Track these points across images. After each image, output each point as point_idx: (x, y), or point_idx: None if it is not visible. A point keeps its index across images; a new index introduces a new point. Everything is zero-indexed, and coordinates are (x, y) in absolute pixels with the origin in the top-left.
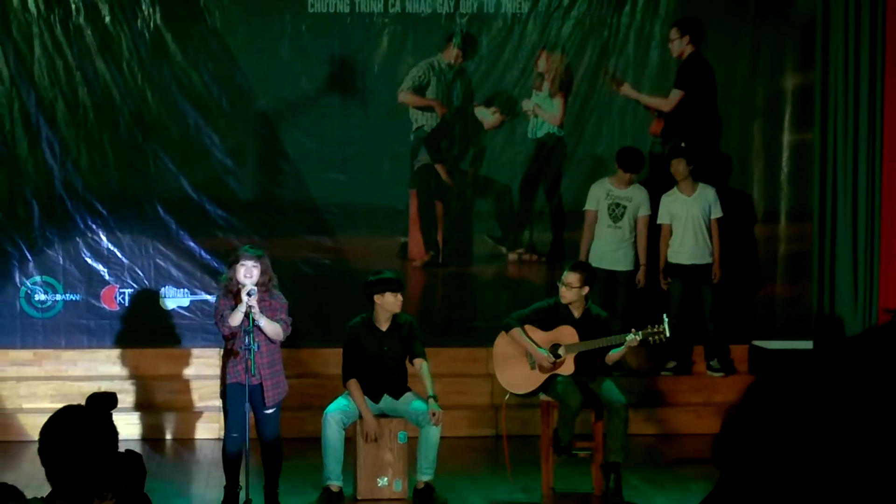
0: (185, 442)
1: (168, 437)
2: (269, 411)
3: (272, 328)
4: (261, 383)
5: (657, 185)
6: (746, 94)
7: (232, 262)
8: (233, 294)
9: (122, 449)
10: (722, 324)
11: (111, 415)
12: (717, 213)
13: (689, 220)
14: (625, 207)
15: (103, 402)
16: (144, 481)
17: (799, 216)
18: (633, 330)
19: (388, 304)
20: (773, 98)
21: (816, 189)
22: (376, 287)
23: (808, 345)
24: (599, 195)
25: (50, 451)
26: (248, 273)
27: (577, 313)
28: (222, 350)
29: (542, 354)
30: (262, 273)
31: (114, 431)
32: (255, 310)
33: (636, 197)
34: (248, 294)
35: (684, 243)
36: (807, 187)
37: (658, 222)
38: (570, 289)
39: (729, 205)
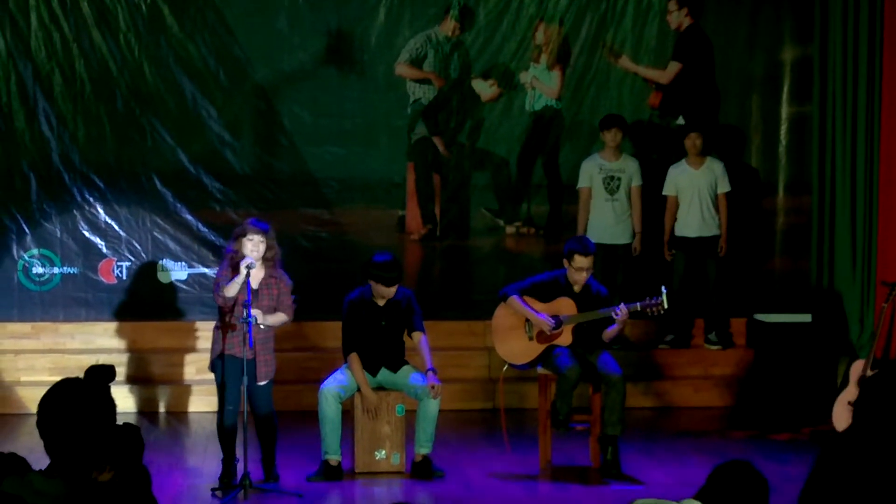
0: (182, 415)
1: (164, 409)
2: (262, 383)
3: (278, 320)
4: (254, 358)
5: (662, 158)
6: (745, 66)
7: (238, 235)
8: (234, 265)
9: (119, 422)
10: (723, 297)
11: (109, 387)
12: (724, 187)
13: (696, 193)
14: (619, 179)
15: (101, 375)
16: (142, 454)
17: (797, 189)
18: (622, 304)
19: (379, 291)
20: (772, 70)
21: (815, 162)
22: (371, 273)
23: (806, 318)
24: (592, 171)
25: (48, 424)
26: (255, 247)
27: (577, 287)
28: (217, 323)
29: (541, 320)
30: (268, 248)
31: (112, 404)
32: (260, 317)
33: (628, 168)
34: (248, 267)
35: (690, 216)
36: (805, 160)
37: (664, 193)
38: (583, 272)
39: (736, 178)
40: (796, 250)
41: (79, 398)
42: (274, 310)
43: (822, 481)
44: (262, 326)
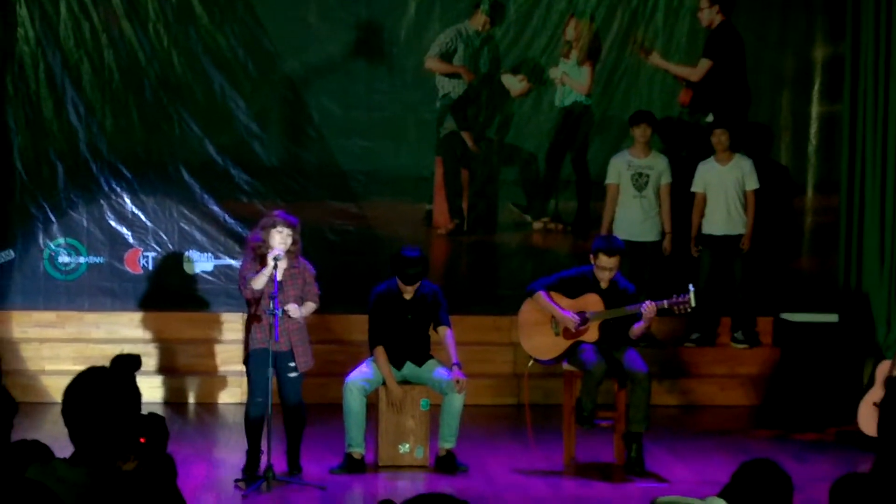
0: (208, 406)
1: (191, 400)
2: (293, 375)
3: (309, 310)
4: (290, 349)
5: (691, 155)
6: (775, 64)
7: (267, 227)
8: (260, 258)
9: (144, 412)
10: (750, 295)
11: (134, 377)
12: (752, 184)
13: (723, 190)
14: (648, 176)
15: (127, 364)
16: (167, 443)
17: (826, 189)
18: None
19: (403, 287)
20: (803, 69)
21: (845, 162)
22: (396, 268)
23: (833, 318)
24: (620, 167)
25: (74, 412)
26: (283, 240)
27: (604, 284)
28: (246, 315)
29: (566, 317)
30: (294, 241)
31: (137, 394)
32: (294, 311)
33: (657, 165)
34: (276, 259)
35: (717, 213)
36: (835, 160)
37: (692, 190)
38: (607, 271)
39: (765, 176)
40: (824, 250)
41: (104, 387)
42: (301, 300)
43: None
44: (299, 319)
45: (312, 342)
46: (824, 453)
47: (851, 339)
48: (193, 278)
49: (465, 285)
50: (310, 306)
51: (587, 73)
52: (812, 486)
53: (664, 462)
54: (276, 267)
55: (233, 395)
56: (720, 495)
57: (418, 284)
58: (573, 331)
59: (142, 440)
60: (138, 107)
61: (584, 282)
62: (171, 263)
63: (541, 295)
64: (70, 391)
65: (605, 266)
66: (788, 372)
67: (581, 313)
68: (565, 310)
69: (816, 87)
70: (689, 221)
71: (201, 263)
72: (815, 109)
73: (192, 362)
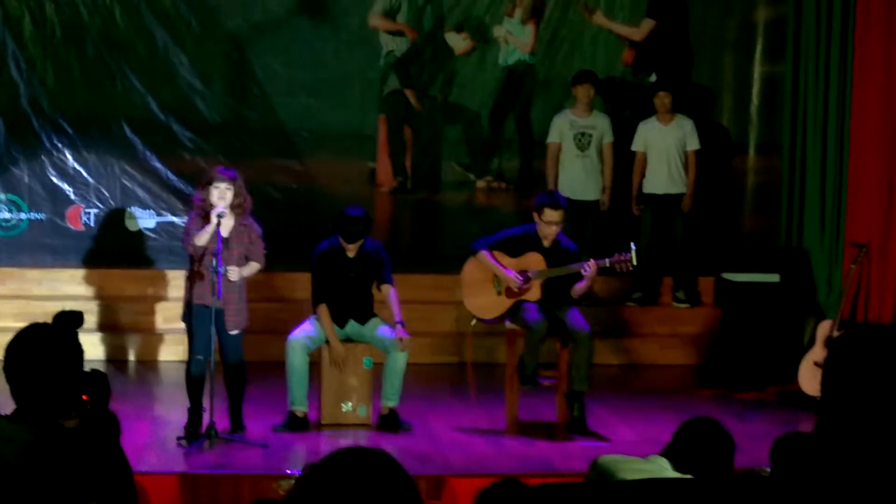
0: (149, 363)
1: (132, 358)
2: (234, 332)
3: (252, 270)
4: (224, 307)
5: (634, 115)
6: (718, 25)
7: (205, 184)
8: (204, 214)
9: (87, 369)
10: (691, 255)
11: (77, 334)
12: (693, 144)
13: (665, 150)
14: (591, 136)
15: (70, 321)
16: (109, 400)
17: (768, 149)
18: (591, 260)
19: (345, 246)
20: (745, 30)
21: (787, 122)
22: (338, 227)
23: (774, 278)
24: (563, 126)
25: (15, 369)
26: (222, 195)
27: (546, 242)
28: (188, 271)
29: (509, 276)
30: (236, 195)
31: (79, 350)
32: (234, 274)
33: (600, 124)
34: (219, 216)
35: (658, 173)
36: (777, 120)
37: (633, 149)
38: (553, 226)
39: (706, 137)
40: (765, 210)
41: (46, 343)
42: (245, 258)
43: (796, 440)
44: (236, 281)
45: (254, 300)
46: (765, 412)
47: (792, 299)
48: (136, 235)
49: (409, 244)
50: (253, 266)
51: (531, 31)
52: (753, 445)
53: (606, 421)
54: (219, 224)
55: (174, 352)
56: (663, 454)
57: (361, 242)
58: (516, 290)
59: (84, 397)
60: (80, 63)
61: (527, 240)
62: (114, 220)
63: (483, 254)
64: (11, 348)
65: (551, 220)
66: (730, 331)
67: (523, 272)
68: (508, 269)
69: (759, 48)
70: (630, 180)
71: (143, 220)
72: (757, 70)
73: (134, 319)
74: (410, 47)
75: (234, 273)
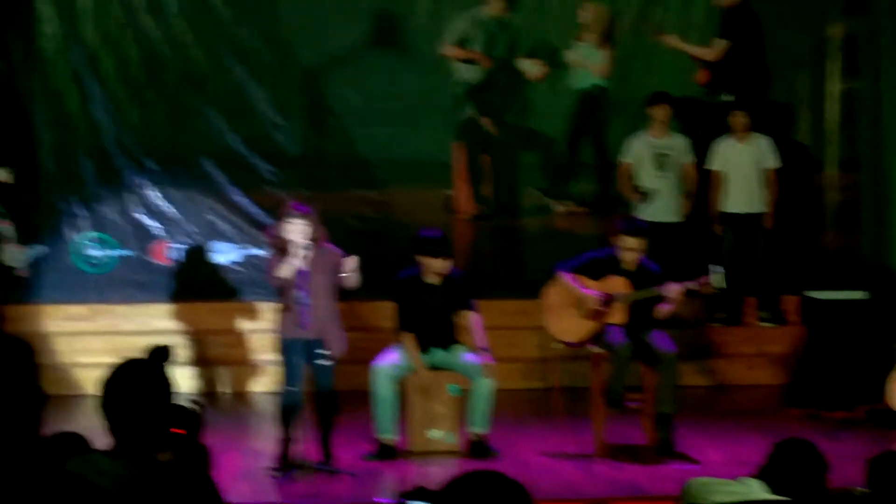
0: (240, 396)
1: (223, 390)
2: (325, 363)
3: (350, 273)
4: (321, 337)
5: (707, 134)
6: (793, 43)
7: (280, 219)
8: (282, 249)
9: (182, 401)
10: (774, 274)
11: (168, 368)
12: (771, 162)
13: (742, 169)
14: (669, 156)
15: (161, 356)
16: (202, 433)
17: (848, 165)
18: (675, 282)
19: (432, 266)
20: (820, 47)
21: (866, 138)
22: (421, 248)
23: (861, 295)
24: (640, 148)
25: (111, 405)
26: (298, 231)
27: (629, 265)
28: (278, 304)
29: (588, 295)
30: (312, 230)
31: (171, 384)
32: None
33: (678, 145)
34: (297, 249)
35: (737, 192)
36: (855, 136)
37: (709, 168)
38: (633, 253)
39: (785, 154)
40: (847, 227)
41: (141, 379)
42: (333, 287)
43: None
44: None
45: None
46: (855, 431)
47: (880, 316)
48: (221, 268)
49: (490, 270)
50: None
51: (604, 55)
52: (845, 465)
53: (695, 443)
54: (297, 256)
55: (265, 384)
56: (756, 476)
57: (446, 261)
58: (594, 309)
59: (177, 431)
60: (162, 101)
61: (610, 263)
62: (200, 254)
63: (563, 276)
64: (107, 383)
65: (630, 247)
66: (816, 350)
67: (607, 294)
68: (587, 288)
69: (835, 64)
70: (709, 200)
71: (228, 253)
72: (833, 87)
73: (224, 352)
74: (484, 75)
75: (351, 278)
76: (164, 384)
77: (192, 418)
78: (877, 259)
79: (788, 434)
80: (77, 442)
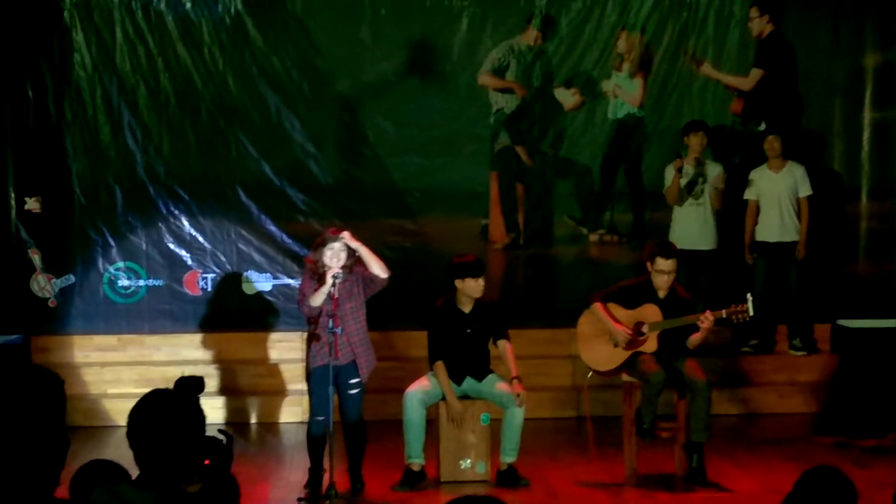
0: (269, 426)
1: (252, 420)
2: (354, 392)
3: (375, 261)
4: (351, 362)
5: (744, 163)
6: (826, 72)
7: (318, 245)
8: (318, 276)
9: (213, 431)
10: (806, 302)
11: (198, 399)
12: (805, 191)
13: (776, 198)
14: (705, 184)
15: (191, 386)
16: (231, 464)
17: (880, 194)
18: (707, 311)
19: (469, 288)
20: (854, 76)
21: None
22: (457, 271)
23: (891, 324)
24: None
25: (139, 435)
26: (336, 256)
27: (662, 293)
28: (306, 334)
29: (619, 329)
30: (349, 257)
31: (201, 415)
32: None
33: (713, 173)
34: (335, 277)
35: (770, 220)
36: (887, 165)
37: (745, 198)
38: (664, 275)
39: (818, 182)
40: (880, 255)
41: (169, 409)
42: (359, 311)
43: None
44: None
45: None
46: (886, 459)
47: None
48: (253, 298)
49: (523, 299)
50: (376, 261)
51: (639, 84)
52: (876, 492)
53: (726, 472)
54: (334, 285)
55: (294, 413)
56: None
57: (483, 281)
58: (625, 345)
59: (206, 462)
60: (194, 130)
61: (643, 292)
62: (230, 284)
63: (597, 307)
64: (135, 414)
65: (663, 269)
66: (848, 378)
67: (637, 324)
68: (618, 323)
69: (868, 93)
70: (743, 229)
71: (260, 283)
72: (867, 115)
73: (253, 382)
74: (520, 104)
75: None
76: (194, 415)
77: (221, 449)
78: None
79: (819, 462)
80: (113, 470)
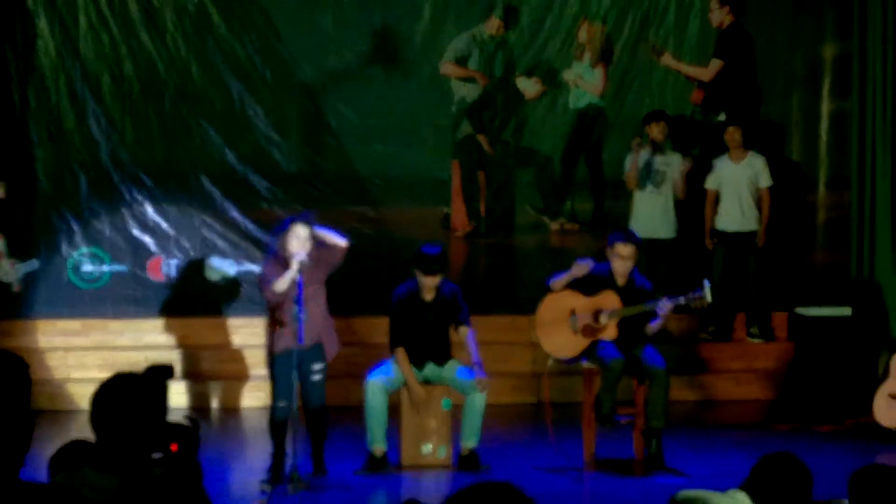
0: (232, 411)
1: (214, 405)
2: (317, 378)
3: (331, 235)
4: (314, 346)
5: (703, 153)
6: (786, 63)
7: (284, 233)
8: (282, 262)
9: (181, 417)
10: (764, 291)
11: (166, 385)
12: (766, 181)
13: (737, 188)
14: (664, 173)
15: (160, 374)
16: (197, 450)
17: (838, 184)
18: (666, 298)
19: (424, 284)
20: (812, 67)
21: (855, 157)
22: (415, 262)
23: (847, 312)
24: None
25: (101, 418)
26: (302, 243)
27: (621, 281)
28: (268, 319)
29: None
30: (311, 242)
31: (165, 399)
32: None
33: (674, 162)
34: (301, 263)
35: (730, 210)
36: (845, 155)
37: (706, 187)
38: (626, 261)
39: (778, 173)
40: (837, 244)
41: (133, 393)
42: (320, 292)
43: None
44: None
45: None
46: (842, 445)
47: (865, 332)
48: (216, 284)
49: (484, 286)
50: (335, 235)
51: (600, 74)
52: (831, 478)
53: (683, 457)
54: (300, 271)
55: (256, 399)
56: (741, 488)
57: (440, 279)
58: (587, 324)
59: (173, 447)
60: (158, 117)
61: (601, 279)
62: (194, 270)
63: (556, 280)
64: (98, 397)
65: (623, 254)
66: (804, 365)
67: (596, 311)
68: (581, 310)
69: (826, 84)
70: (702, 217)
71: (223, 270)
72: (825, 106)
73: (216, 367)
74: (482, 93)
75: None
76: (158, 399)
77: (186, 434)
78: (864, 276)
79: (775, 448)
80: (94, 451)
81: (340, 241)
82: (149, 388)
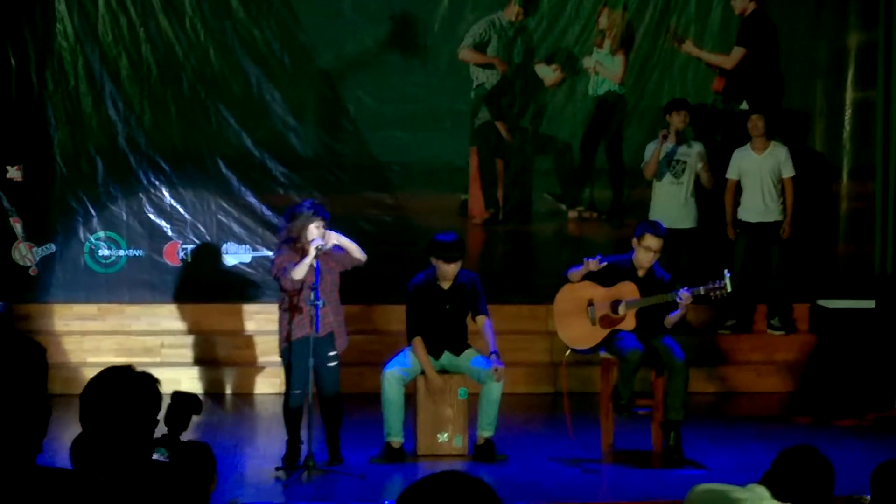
0: (246, 397)
1: (229, 391)
2: (332, 365)
3: (355, 247)
4: (331, 332)
5: (725, 142)
6: (809, 52)
7: (305, 221)
8: (297, 249)
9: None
10: (786, 282)
11: (156, 383)
12: (788, 171)
13: (759, 178)
14: (685, 163)
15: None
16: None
17: (861, 175)
18: (685, 289)
19: (441, 270)
20: (836, 56)
21: (879, 147)
22: (432, 250)
23: (869, 304)
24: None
25: (90, 412)
26: (320, 232)
27: (641, 272)
28: (282, 305)
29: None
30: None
31: (157, 396)
32: (329, 238)
33: (694, 152)
34: (318, 248)
35: (753, 201)
36: (869, 146)
37: (726, 177)
38: (651, 253)
39: (801, 163)
40: (860, 236)
41: (122, 387)
42: (336, 283)
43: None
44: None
45: (349, 332)
46: (863, 439)
47: (889, 325)
48: (232, 270)
49: (501, 274)
50: (354, 245)
51: (620, 61)
52: (852, 472)
53: (703, 449)
54: (317, 257)
55: (271, 385)
56: (762, 482)
57: (458, 265)
58: (606, 314)
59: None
60: (176, 101)
61: (621, 270)
62: (210, 255)
63: (573, 271)
64: (87, 392)
65: (651, 246)
66: (825, 358)
67: (616, 301)
68: (600, 300)
69: (850, 73)
70: (723, 207)
71: (239, 255)
72: (849, 96)
73: (231, 353)
74: (501, 80)
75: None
76: (149, 396)
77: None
78: (887, 269)
79: (796, 441)
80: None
81: (359, 255)
82: (139, 385)
